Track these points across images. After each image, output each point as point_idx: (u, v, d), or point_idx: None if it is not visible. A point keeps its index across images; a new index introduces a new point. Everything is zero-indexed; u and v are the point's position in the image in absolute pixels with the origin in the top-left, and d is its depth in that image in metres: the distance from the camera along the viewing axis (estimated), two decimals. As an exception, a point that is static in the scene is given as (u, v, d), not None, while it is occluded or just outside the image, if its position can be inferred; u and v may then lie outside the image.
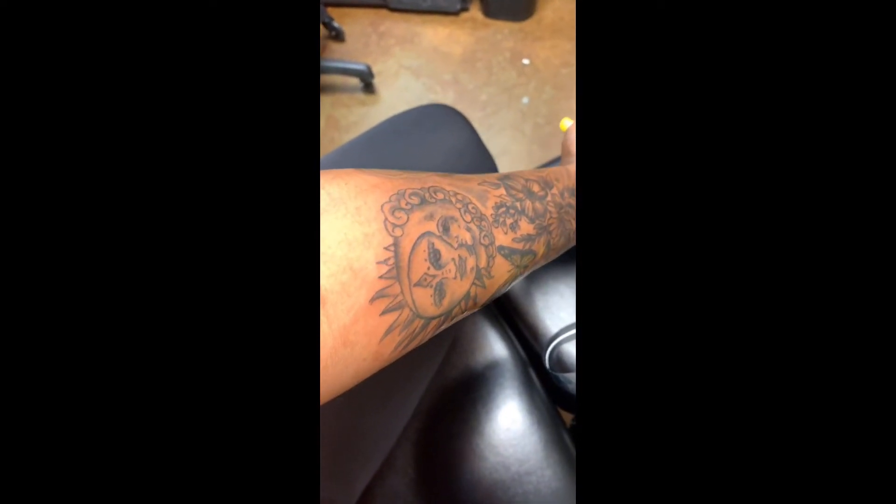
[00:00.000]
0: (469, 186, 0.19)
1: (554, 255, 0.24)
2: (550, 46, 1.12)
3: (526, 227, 0.21)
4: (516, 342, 0.39)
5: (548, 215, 0.22)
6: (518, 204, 0.21)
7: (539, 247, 0.22)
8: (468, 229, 0.18)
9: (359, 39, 1.19)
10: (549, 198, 0.23)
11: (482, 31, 1.17)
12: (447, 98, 1.07)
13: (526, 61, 1.10)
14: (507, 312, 0.41)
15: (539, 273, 0.39)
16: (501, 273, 0.20)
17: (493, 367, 0.36)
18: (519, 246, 0.20)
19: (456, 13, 1.19)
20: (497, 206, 0.20)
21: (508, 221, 0.20)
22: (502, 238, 0.19)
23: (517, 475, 0.32)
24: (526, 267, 0.21)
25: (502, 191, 0.21)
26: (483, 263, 0.18)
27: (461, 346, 0.37)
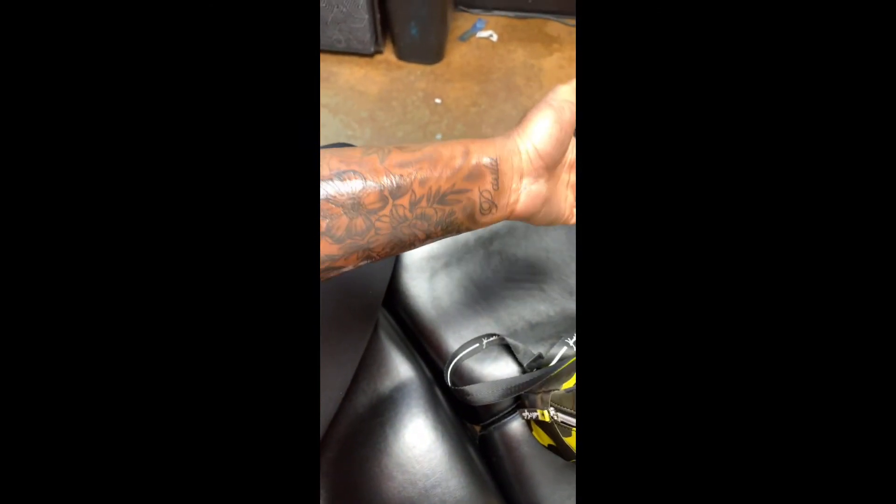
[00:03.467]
0: None
1: (381, 258, 0.23)
2: (460, 88, 1.22)
3: (327, 249, 0.20)
4: (422, 362, 0.41)
5: (371, 232, 0.20)
6: (324, 223, 0.19)
7: (347, 263, 0.21)
8: None
9: (273, 77, 1.19)
10: (385, 210, 0.20)
11: (396, 72, 1.24)
12: (364, 134, 1.11)
13: (438, 101, 1.18)
14: (413, 334, 0.43)
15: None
16: None
17: (400, 388, 0.38)
18: None
19: (370, 55, 1.25)
20: None
21: None
22: None
23: (424, 490, 0.34)
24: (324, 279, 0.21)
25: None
26: None
27: (369, 371, 0.39)
